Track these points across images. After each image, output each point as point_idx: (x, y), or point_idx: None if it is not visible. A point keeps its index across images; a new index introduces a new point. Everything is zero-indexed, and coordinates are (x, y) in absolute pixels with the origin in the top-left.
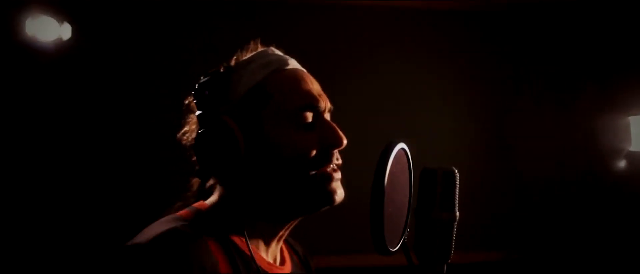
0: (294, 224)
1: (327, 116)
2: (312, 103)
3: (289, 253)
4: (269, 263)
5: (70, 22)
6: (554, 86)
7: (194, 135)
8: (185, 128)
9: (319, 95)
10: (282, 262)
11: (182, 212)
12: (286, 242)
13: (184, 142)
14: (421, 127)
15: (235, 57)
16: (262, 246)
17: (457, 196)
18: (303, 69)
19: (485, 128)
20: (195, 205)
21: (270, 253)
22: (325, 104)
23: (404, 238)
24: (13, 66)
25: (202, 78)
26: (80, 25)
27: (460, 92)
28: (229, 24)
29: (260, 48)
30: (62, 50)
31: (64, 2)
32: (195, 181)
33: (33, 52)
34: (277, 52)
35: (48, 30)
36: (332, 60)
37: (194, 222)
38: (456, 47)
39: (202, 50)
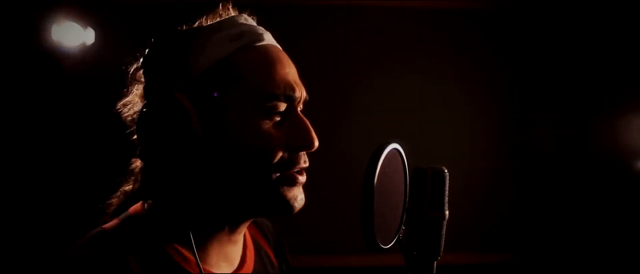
0: (247, 225)
1: (300, 107)
2: (286, 92)
3: (256, 243)
4: (211, 272)
5: (93, 27)
6: (555, 86)
7: (136, 108)
8: (127, 99)
9: (295, 83)
10: (242, 263)
11: (109, 224)
12: (257, 228)
13: (123, 116)
14: (422, 127)
15: (199, 21)
16: (212, 249)
17: (446, 196)
18: (279, 47)
19: (487, 129)
20: (131, 209)
21: (224, 256)
22: (301, 94)
23: (399, 236)
24: (41, 71)
25: (153, 40)
26: (103, 30)
27: (462, 92)
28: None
29: (231, 14)
30: (86, 54)
31: (87, 7)
32: (137, 164)
33: (59, 57)
34: (250, 21)
35: (73, 35)
36: (333, 60)
37: (118, 236)
38: (458, 47)
39: None
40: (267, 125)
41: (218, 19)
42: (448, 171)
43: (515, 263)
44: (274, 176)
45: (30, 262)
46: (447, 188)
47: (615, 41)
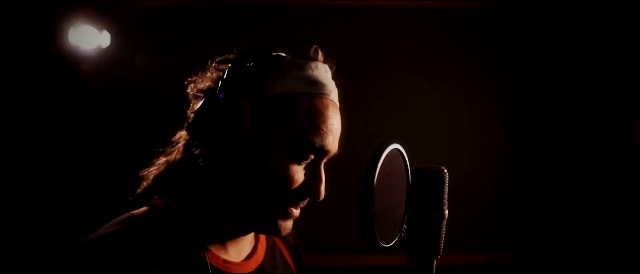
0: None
1: (325, 160)
2: (323, 146)
3: (269, 241)
4: (224, 260)
5: (108, 30)
6: (557, 86)
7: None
8: (202, 82)
9: (333, 141)
10: (251, 255)
11: (137, 210)
12: None
13: (189, 93)
14: (425, 127)
15: (291, 54)
16: (224, 238)
17: (446, 196)
18: (337, 105)
19: (490, 128)
20: (155, 201)
21: (234, 245)
22: (332, 151)
23: (401, 235)
24: (59, 74)
25: (248, 55)
26: (117, 33)
27: (462, 93)
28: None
29: (319, 59)
30: (102, 57)
31: (103, 11)
32: (183, 136)
33: (76, 59)
34: (328, 73)
35: (89, 38)
36: (336, 61)
37: (143, 221)
38: (461, 47)
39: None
40: (294, 165)
41: (306, 59)
42: (451, 172)
43: (518, 264)
44: (278, 206)
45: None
46: (446, 188)
47: (616, 40)
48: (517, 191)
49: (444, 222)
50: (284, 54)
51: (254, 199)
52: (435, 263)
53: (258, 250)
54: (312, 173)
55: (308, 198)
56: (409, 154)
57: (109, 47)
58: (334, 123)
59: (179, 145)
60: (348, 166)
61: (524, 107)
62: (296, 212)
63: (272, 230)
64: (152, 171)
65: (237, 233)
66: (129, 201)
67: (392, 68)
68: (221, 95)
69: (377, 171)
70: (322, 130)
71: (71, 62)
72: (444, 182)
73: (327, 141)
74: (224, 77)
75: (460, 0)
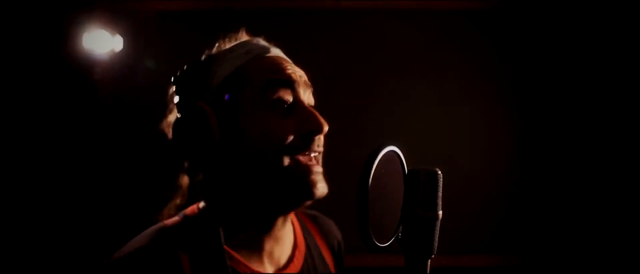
0: (284, 218)
1: (309, 104)
2: (284, 78)
3: (309, 243)
4: (258, 272)
5: (121, 34)
6: (558, 87)
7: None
8: (168, 119)
9: (294, 72)
10: (289, 262)
11: (169, 220)
12: (319, 231)
13: (168, 136)
14: (423, 129)
15: (217, 45)
16: (256, 249)
17: (440, 197)
18: (286, 57)
19: (492, 129)
20: (187, 210)
21: (269, 255)
22: (305, 89)
23: (398, 235)
24: (74, 77)
25: (184, 67)
26: (130, 37)
27: (461, 94)
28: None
29: (244, 38)
30: (115, 61)
31: (116, 16)
32: (185, 179)
33: (90, 64)
34: (262, 41)
35: (102, 43)
36: (334, 63)
37: (175, 233)
38: (461, 48)
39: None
40: (275, 116)
41: (234, 42)
42: (452, 173)
43: (520, 266)
44: (286, 161)
45: (91, 255)
46: (440, 189)
47: (617, 40)
48: (519, 193)
49: (438, 222)
50: (213, 50)
51: (263, 173)
52: (429, 263)
53: (295, 259)
54: (301, 114)
55: (316, 137)
56: (410, 155)
57: (121, 51)
58: (287, 65)
59: (183, 187)
60: (348, 167)
61: (525, 108)
62: (315, 168)
63: (301, 191)
64: (165, 213)
65: (267, 236)
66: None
67: (393, 70)
68: (183, 114)
69: (372, 172)
70: (279, 66)
71: (85, 66)
72: (437, 183)
73: (288, 72)
74: (176, 94)
75: (461, 1)
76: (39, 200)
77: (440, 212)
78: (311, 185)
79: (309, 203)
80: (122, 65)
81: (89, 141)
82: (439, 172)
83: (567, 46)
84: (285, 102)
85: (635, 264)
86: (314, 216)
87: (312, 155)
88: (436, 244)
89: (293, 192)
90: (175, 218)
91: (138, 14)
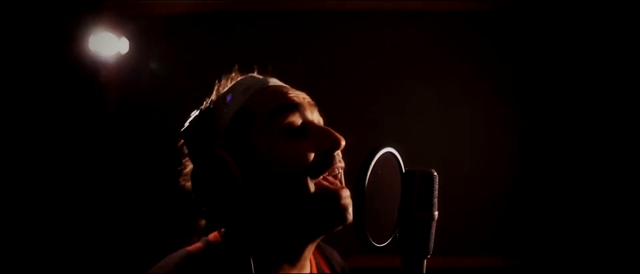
0: (311, 247)
1: (319, 123)
2: (289, 103)
3: (320, 272)
4: None
5: (127, 37)
6: (559, 88)
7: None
8: (186, 171)
9: (303, 99)
10: None
11: (192, 247)
12: (323, 256)
13: (186, 186)
14: (424, 129)
15: (215, 90)
16: None
17: (436, 197)
18: (284, 84)
19: (494, 130)
20: (210, 236)
21: None
22: (312, 109)
23: (395, 235)
24: (81, 79)
25: (189, 118)
26: (135, 40)
27: (461, 95)
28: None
29: (238, 77)
30: (121, 63)
31: (122, 18)
32: (203, 222)
33: (96, 66)
34: (257, 76)
35: (108, 45)
36: (335, 64)
37: (202, 259)
38: (462, 49)
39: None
40: (290, 142)
41: (230, 84)
42: (453, 174)
43: (520, 267)
44: (313, 187)
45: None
46: (436, 189)
47: (616, 41)
48: (519, 193)
49: (434, 223)
50: (207, 99)
51: (291, 200)
52: (425, 263)
53: None
54: (314, 134)
55: (335, 153)
56: (411, 155)
57: (127, 53)
58: (290, 91)
59: (201, 228)
60: (349, 167)
61: (525, 109)
62: (343, 192)
63: (333, 219)
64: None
65: (291, 267)
66: None
67: (393, 70)
68: (199, 163)
69: (369, 173)
70: (281, 94)
71: (91, 68)
72: (433, 184)
73: (290, 96)
74: (186, 146)
75: (461, 2)
76: (42, 201)
77: (436, 213)
78: (343, 210)
79: (339, 228)
80: (128, 67)
81: (94, 143)
82: (435, 173)
83: (567, 46)
84: (295, 125)
85: (635, 264)
86: (318, 245)
87: (336, 172)
88: (432, 244)
89: (324, 218)
90: (198, 245)
91: (144, 16)
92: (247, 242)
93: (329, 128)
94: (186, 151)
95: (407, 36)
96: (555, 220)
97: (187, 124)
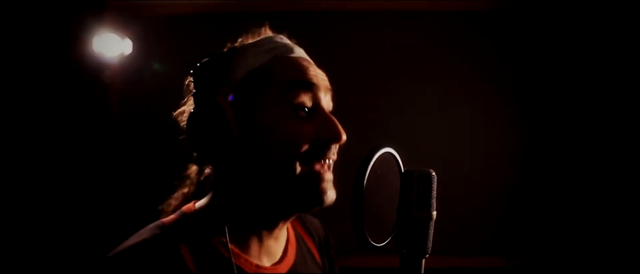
0: (287, 221)
1: (328, 110)
2: (307, 81)
3: (299, 240)
4: (257, 265)
5: (130, 38)
6: (560, 88)
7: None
8: (182, 109)
9: (317, 75)
10: (283, 257)
11: (167, 218)
12: (302, 226)
13: (181, 124)
14: (421, 129)
15: (240, 40)
16: (254, 244)
17: (434, 197)
18: (309, 59)
19: (495, 130)
20: (184, 208)
21: (266, 250)
22: (326, 93)
23: (394, 234)
24: (84, 81)
25: (205, 58)
26: (139, 41)
27: (461, 95)
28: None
29: (269, 34)
30: (124, 64)
31: (125, 19)
32: (193, 169)
33: (100, 67)
34: (285, 39)
35: (112, 46)
36: (334, 65)
37: (175, 229)
38: (462, 49)
39: None
40: (294, 120)
41: (257, 38)
42: (453, 174)
43: (519, 268)
44: (299, 168)
45: (91, 252)
46: (434, 190)
47: (617, 41)
48: (520, 194)
49: (432, 223)
50: (237, 44)
51: (274, 177)
52: (423, 262)
53: (289, 252)
54: (320, 121)
55: (332, 146)
56: (411, 155)
57: (131, 54)
58: (310, 68)
59: (192, 176)
60: (349, 167)
61: (525, 109)
62: (326, 175)
63: (313, 198)
64: (171, 203)
65: (268, 234)
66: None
67: (394, 70)
68: (197, 107)
69: (367, 173)
70: (302, 68)
71: (95, 69)
72: (431, 184)
73: (310, 75)
74: (194, 86)
75: (462, 2)
76: (46, 201)
77: (434, 213)
78: (321, 193)
79: (316, 209)
80: (132, 68)
81: (98, 143)
82: (433, 173)
83: (567, 46)
84: (305, 106)
85: (635, 264)
86: (298, 216)
87: (326, 163)
88: (430, 244)
89: (302, 198)
90: (172, 216)
91: (148, 17)
92: (225, 207)
93: (335, 120)
94: (192, 91)
95: (407, 36)
96: (556, 219)
97: (200, 63)
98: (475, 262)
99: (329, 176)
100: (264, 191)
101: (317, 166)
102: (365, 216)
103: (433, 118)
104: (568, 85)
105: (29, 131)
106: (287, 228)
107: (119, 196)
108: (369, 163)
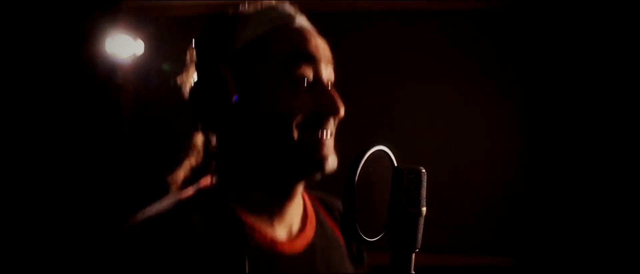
0: (297, 189)
1: (330, 81)
2: (308, 53)
3: (319, 217)
4: (272, 239)
5: (142, 39)
6: (561, 88)
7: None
8: (184, 76)
9: (318, 47)
10: (301, 230)
11: (184, 192)
12: (323, 205)
13: (183, 92)
14: (421, 129)
15: (241, 6)
16: (267, 214)
17: (423, 194)
18: (310, 29)
19: (495, 130)
20: (201, 182)
21: (280, 221)
22: (327, 64)
23: (386, 230)
24: (97, 81)
25: (207, 26)
26: (151, 42)
27: (461, 95)
28: None
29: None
30: (137, 65)
31: (137, 21)
32: (199, 138)
33: (113, 67)
34: (288, 8)
35: (124, 47)
36: (334, 65)
37: (191, 202)
38: (463, 49)
39: None
40: (293, 92)
41: (260, 5)
42: (453, 174)
43: (518, 267)
44: (298, 136)
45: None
46: (424, 186)
47: (618, 41)
48: (520, 194)
49: (422, 218)
50: (231, 11)
51: (273, 144)
52: (413, 257)
53: (307, 228)
54: (319, 93)
55: (330, 118)
56: (412, 155)
57: (143, 55)
58: (311, 38)
59: (198, 146)
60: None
61: (526, 108)
62: (327, 141)
63: (312, 165)
64: (180, 174)
65: (279, 203)
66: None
67: (394, 71)
68: (199, 75)
69: (359, 169)
70: (303, 39)
71: (107, 69)
72: (421, 181)
73: (312, 47)
74: (195, 53)
75: (462, 2)
76: (58, 200)
77: (424, 208)
78: (322, 158)
79: (318, 175)
80: (144, 69)
81: (110, 143)
82: (423, 170)
83: (568, 46)
84: (306, 78)
85: (635, 265)
86: (319, 197)
87: (323, 136)
88: (420, 239)
89: (303, 164)
90: (190, 191)
91: (160, 18)
92: (233, 174)
93: (334, 93)
94: (195, 59)
95: (407, 36)
96: (557, 219)
97: (202, 32)
98: (474, 261)
99: (329, 142)
100: (264, 157)
101: (317, 135)
102: (358, 213)
103: (432, 118)
104: (568, 84)
105: (42, 131)
106: (306, 206)
107: (131, 196)
108: (360, 160)
